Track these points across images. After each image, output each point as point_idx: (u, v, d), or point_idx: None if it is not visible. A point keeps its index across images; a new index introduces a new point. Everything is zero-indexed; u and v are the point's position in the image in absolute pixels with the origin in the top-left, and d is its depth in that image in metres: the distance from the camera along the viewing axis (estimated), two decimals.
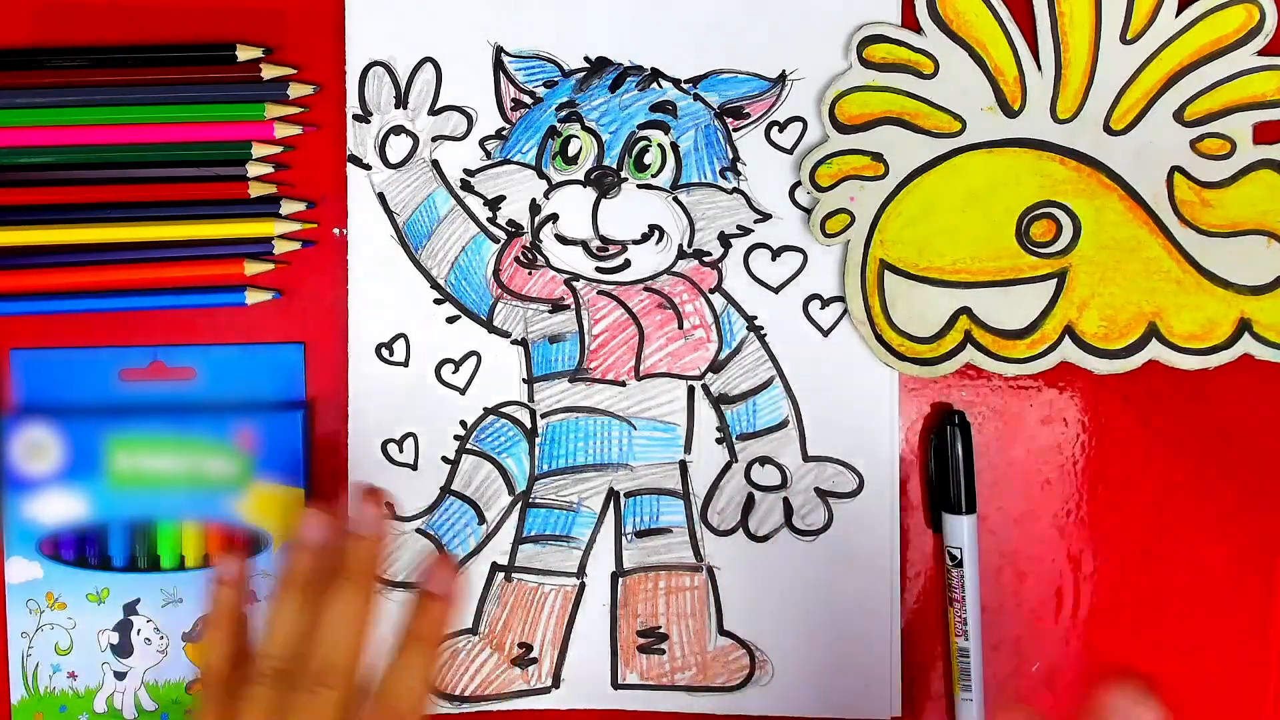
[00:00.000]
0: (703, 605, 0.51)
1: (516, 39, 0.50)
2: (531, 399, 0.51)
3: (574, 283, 0.51)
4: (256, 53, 0.50)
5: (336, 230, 0.51)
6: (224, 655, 0.42)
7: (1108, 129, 0.50)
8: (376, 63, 0.50)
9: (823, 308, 0.51)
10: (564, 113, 0.50)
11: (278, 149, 0.50)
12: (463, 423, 0.51)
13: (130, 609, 0.51)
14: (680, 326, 0.51)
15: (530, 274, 0.51)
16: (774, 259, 0.51)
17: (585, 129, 0.50)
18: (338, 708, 0.38)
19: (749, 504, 0.51)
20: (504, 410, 0.51)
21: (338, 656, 0.39)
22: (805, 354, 0.51)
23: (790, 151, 0.51)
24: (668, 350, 0.51)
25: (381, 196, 0.51)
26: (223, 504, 0.50)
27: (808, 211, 0.50)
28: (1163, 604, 0.51)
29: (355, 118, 0.50)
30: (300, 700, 0.38)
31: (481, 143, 0.51)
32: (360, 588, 0.40)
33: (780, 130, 0.51)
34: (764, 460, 0.51)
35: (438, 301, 0.51)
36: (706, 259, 0.51)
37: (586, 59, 0.51)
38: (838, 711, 0.51)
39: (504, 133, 0.51)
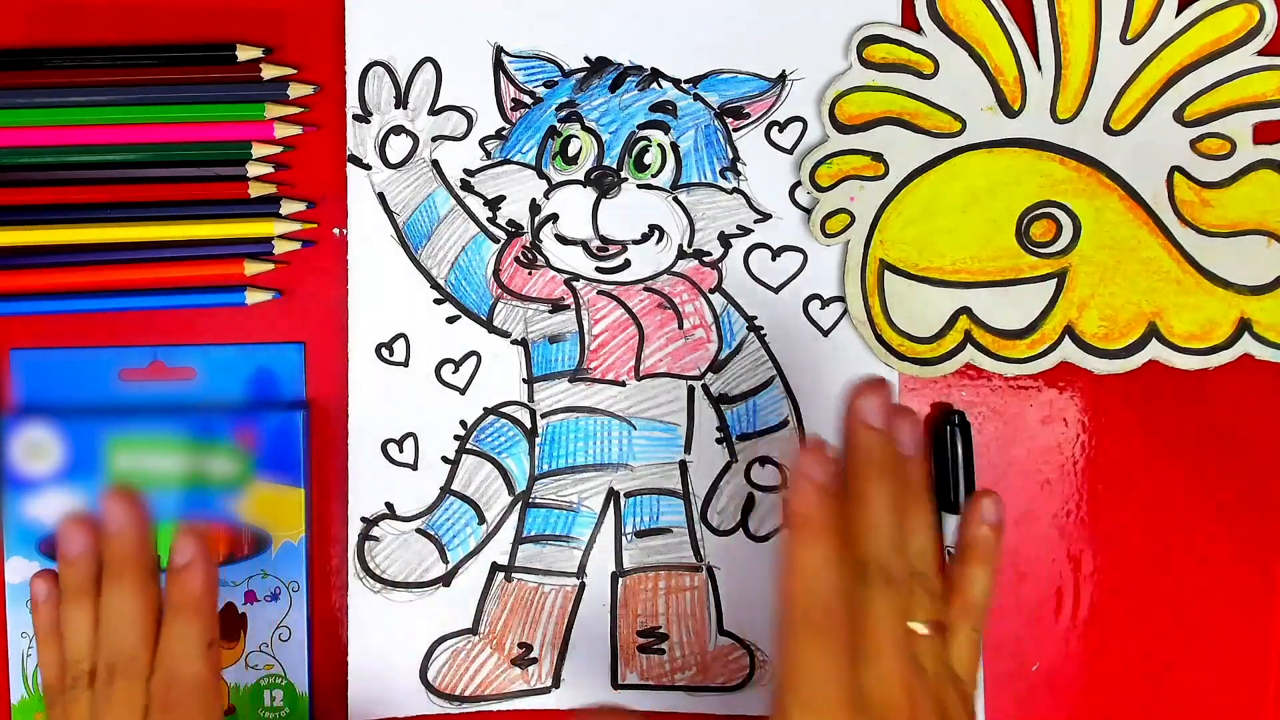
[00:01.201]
0: (703, 605, 0.51)
1: (516, 39, 0.50)
2: (531, 399, 0.51)
3: (574, 283, 0.51)
4: (256, 53, 0.50)
5: (336, 230, 0.51)
6: (55, 665, 0.45)
7: (1108, 129, 0.50)
8: (376, 63, 0.50)
9: (823, 308, 0.51)
10: (564, 113, 0.50)
11: (278, 149, 0.50)
12: (463, 423, 0.51)
13: None
14: (680, 326, 0.51)
15: (530, 274, 0.51)
16: (774, 259, 0.51)
17: (585, 129, 0.50)
18: (137, 694, 0.42)
19: (749, 504, 0.51)
20: (504, 410, 0.51)
21: (123, 647, 0.43)
22: (805, 354, 0.51)
23: (790, 151, 0.51)
24: (668, 350, 0.51)
25: (381, 196, 0.51)
26: (223, 504, 0.50)
27: (808, 211, 0.50)
28: (1163, 604, 0.51)
29: (355, 118, 0.50)
30: (103, 694, 0.42)
31: (481, 143, 0.51)
32: (122, 580, 0.43)
33: (780, 130, 0.51)
34: (764, 460, 0.51)
35: (438, 301, 0.51)
36: (706, 259, 0.51)
37: (586, 59, 0.51)
38: None
39: (504, 133, 0.51)
